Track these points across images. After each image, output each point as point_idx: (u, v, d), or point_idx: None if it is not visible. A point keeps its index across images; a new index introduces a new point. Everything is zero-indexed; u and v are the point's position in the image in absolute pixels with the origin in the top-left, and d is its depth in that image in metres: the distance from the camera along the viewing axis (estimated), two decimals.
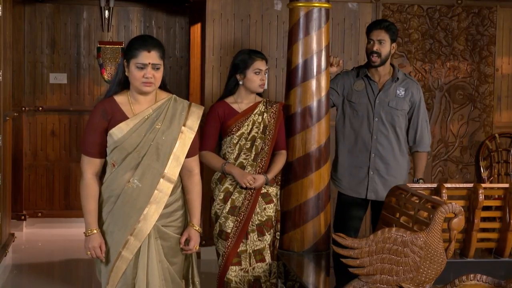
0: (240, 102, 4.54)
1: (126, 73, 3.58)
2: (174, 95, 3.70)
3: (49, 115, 7.77)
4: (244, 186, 4.38)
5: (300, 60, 4.59)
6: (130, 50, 3.56)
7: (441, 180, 6.72)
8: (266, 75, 4.56)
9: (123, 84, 3.63)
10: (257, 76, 4.48)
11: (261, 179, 4.41)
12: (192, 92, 7.64)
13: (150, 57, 3.53)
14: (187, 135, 3.62)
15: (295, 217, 4.61)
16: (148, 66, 3.53)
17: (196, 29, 7.42)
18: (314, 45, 4.58)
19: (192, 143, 3.66)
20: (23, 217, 7.57)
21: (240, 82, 4.52)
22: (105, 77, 7.77)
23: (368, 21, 6.55)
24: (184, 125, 3.62)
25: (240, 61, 4.51)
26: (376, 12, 6.60)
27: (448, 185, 4.29)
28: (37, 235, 7.46)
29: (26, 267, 6.34)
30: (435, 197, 4.00)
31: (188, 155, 3.66)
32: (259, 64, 4.48)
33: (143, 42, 3.57)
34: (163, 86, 3.68)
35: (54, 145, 7.78)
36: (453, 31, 6.72)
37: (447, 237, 3.67)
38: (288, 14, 4.75)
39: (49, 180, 7.80)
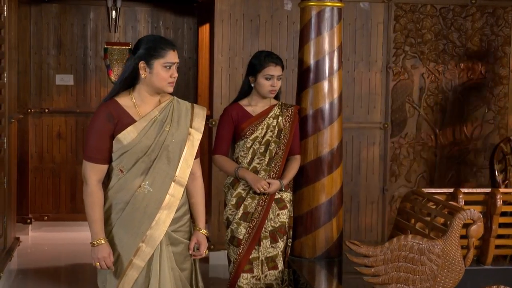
0: (254, 105, 4.44)
1: (142, 75, 3.46)
2: (175, 97, 3.61)
3: (55, 117, 7.74)
4: (258, 191, 4.27)
5: (311, 61, 4.55)
6: (155, 50, 3.44)
7: (455, 184, 6.64)
8: (280, 81, 4.40)
9: (126, 85, 3.52)
10: (267, 82, 4.36)
11: (276, 184, 4.31)
12: (201, 94, 7.60)
13: (175, 56, 3.49)
14: (195, 136, 3.56)
15: (306, 222, 4.56)
16: (174, 65, 3.47)
17: (205, 29, 7.38)
18: (326, 46, 4.53)
19: None
20: (29, 220, 7.55)
21: (252, 85, 4.41)
22: (112, 78, 7.72)
23: (380, 21, 6.49)
24: (191, 126, 3.55)
25: (253, 64, 4.40)
26: (388, 12, 6.52)
27: (465, 190, 4.24)
28: (43, 239, 7.43)
29: (31, 272, 6.29)
30: (452, 202, 3.91)
31: None
32: (271, 70, 4.34)
33: (167, 41, 3.50)
34: None
35: (60, 147, 7.75)
36: (467, 31, 6.64)
37: (463, 243, 3.58)
38: (298, 14, 4.70)
39: (55, 183, 7.77)
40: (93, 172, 3.45)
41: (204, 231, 3.65)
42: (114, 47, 7.73)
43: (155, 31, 7.81)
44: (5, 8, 5.72)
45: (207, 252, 3.68)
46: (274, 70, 4.34)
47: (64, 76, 7.71)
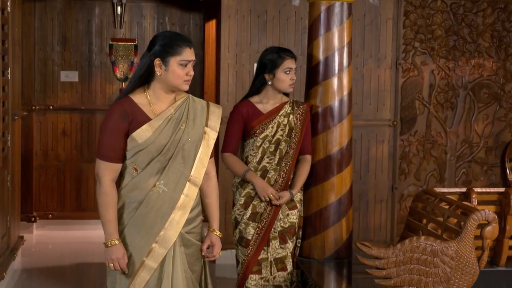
0: (265, 102, 4.36)
1: (158, 73, 3.38)
2: (190, 94, 3.54)
3: (60, 114, 7.68)
4: (263, 200, 4.19)
5: (321, 57, 4.49)
6: (171, 47, 3.37)
7: (465, 182, 6.58)
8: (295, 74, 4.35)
9: (141, 82, 3.45)
10: (287, 76, 4.30)
11: (286, 196, 4.24)
12: (207, 91, 7.54)
13: (192, 53, 3.42)
14: (210, 135, 3.49)
15: (315, 222, 4.49)
16: (190, 63, 3.41)
17: (211, 25, 7.33)
18: (336, 41, 4.47)
19: None
20: (33, 218, 7.51)
21: (269, 82, 4.32)
22: (118, 75, 7.64)
23: (390, 17, 6.41)
24: (206, 125, 3.48)
25: (269, 60, 4.32)
26: (398, 7, 6.44)
27: (478, 189, 4.17)
28: (48, 238, 7.39)
29: (36, 271, 6.23)
30: (465, 203, 3.82)
31: None
32: (289, 63, 4.30)
33: (183, 38, 3.43)
34: None
35: (65, 145, 7.70)
36: (478, 27, 6.56)
37: (477, 245, 3.51)
38: (306, 10, 4.65)
39: (60, 181, 7.71)
40: (107, 171, 3.37)
41: (218, 233, 3.60)
42: (120, 43, 7.66)
43: (161, 27, 7.74)
44: (8, 4, 5.66)
45: (220, 253, 3.61)
46: (291, 63, 4.31)
47: (69, 73, 7.66)
